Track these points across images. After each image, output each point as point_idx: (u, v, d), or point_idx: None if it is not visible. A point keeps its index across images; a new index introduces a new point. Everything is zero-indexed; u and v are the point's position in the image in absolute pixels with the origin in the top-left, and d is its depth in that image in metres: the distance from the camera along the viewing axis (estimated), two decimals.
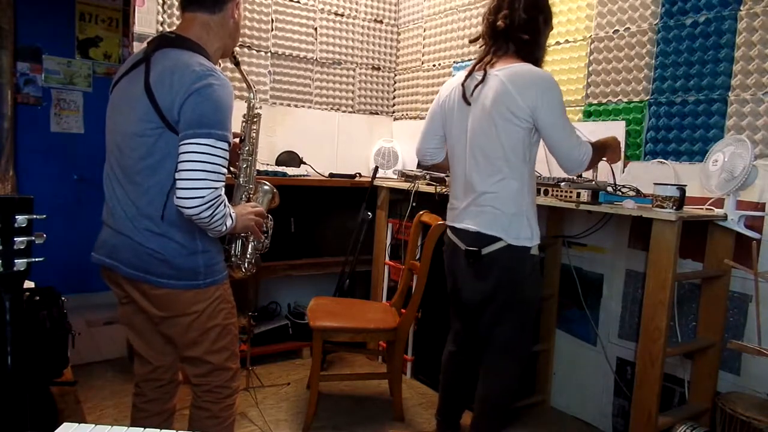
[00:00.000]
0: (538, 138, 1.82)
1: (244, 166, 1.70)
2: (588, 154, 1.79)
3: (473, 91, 1.85)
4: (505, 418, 2.03)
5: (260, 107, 1.74)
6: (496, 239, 1.82)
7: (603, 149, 1.95)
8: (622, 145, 2.34)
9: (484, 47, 1.89)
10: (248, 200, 1.71)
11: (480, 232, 1.85)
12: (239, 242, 1.72)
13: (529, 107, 1.73)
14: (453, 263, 2.02)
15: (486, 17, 1.88)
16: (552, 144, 1.79)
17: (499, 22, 1.81)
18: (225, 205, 1.43)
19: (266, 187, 1.80)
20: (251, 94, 1.71)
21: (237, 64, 1.71)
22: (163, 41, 1.48)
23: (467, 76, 1.89)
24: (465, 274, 1.94)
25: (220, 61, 1.66)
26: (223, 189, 1.42)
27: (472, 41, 1.97)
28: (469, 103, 1.87)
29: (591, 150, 1.80)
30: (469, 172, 1.89)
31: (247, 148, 1.70)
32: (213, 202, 1.37)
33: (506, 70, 1.78)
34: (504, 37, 1.82)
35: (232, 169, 1.70)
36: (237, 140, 1.70)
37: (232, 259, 1.72)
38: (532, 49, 1.82)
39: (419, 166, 3.27)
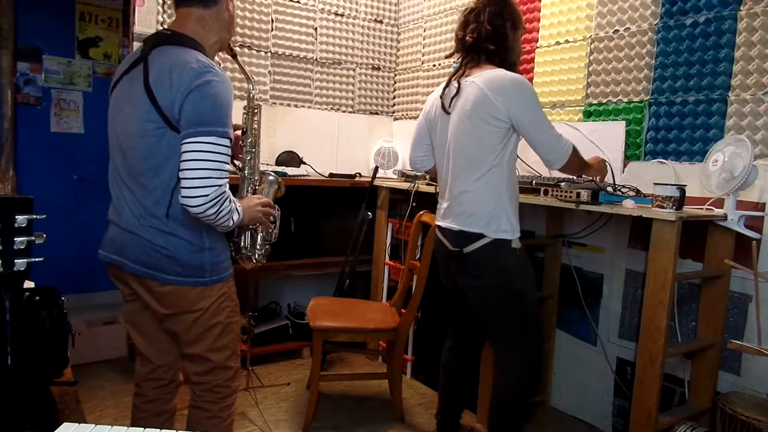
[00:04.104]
0: (516, 139, 1.89)
1: (248, 158, 1.69)
2: (569, 147, 1.85)
3: (451, 101, 1.95)
4: (520, 413, 2.04)
5: (260, 97, 1.73)
6: (478, 236, 1.88)
7: (587, 164, 2.03)
8: (622, 146, 2.35)
9: (459, 61, 2.00)
10: (254, 192, 1.70)
11: (462, 230, 1.91)
12: (248, 234, 1.72)
13: (506, 108, 1.80)
14: (442, 261, 2.09)
15: (456, 34, 1.99)
16: (533, 141, 1.85)
17: (468, 37, 1.93)
18: (230, 201, 1.43)
19: (271, 178, 1.81)
20: (251, 85, 1.70)
21: (234, 56, 1.71)
22: (160, 39, 1.48)
23: (444, 89, 1.99)
24: (454, 272, 2.01)
25: (217, 56, 1.65)
26: (228, 185, 1.42)
27: (447, 56, 2.13)
28: (448, 113, 1.96)
29: (572, 145, 1.86)
30: (451, 173, 1.97)
31: (249, 140, 1.69)
32: (218, 199, 1.38)
33: (481, 76, 1.87)
34: (474, 49, 1.93)
35: (236, 162, 1.70)
36: (239, 132, 1.70)
37: (242, 251, 1.72)
38: (503, 56, 1.92)
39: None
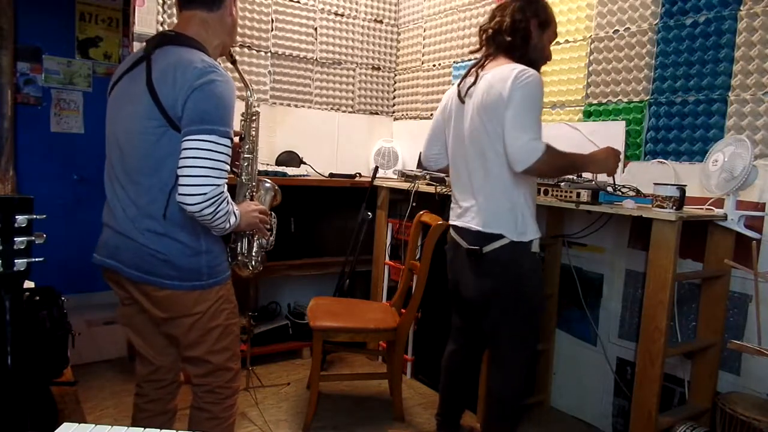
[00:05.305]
0: None
1: (246, 164, 1.70)
2: (536, 154, 1.68)
3: (467, 91, 1.91)
4: (516, 415, 2.04)
5: (258, 105, 1.74)
6: (497, 237, 1.84)
7: (586, 162, 1.91)
8: (622, 146, 2.35)
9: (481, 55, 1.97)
10: (251, 198, 1.71)
11: (480, 230, 1.87)
12: (245, 240, 1.72)
13: (507, 96, 1.73)
14: (455, 262, 2.05)
15: (480, 26, 1.97)
16: (504, 134, 1.74)
17: (489, 29, 1.90)
18: (228, 203, 1.42)
19: (268, 185, 1.81)
20: (249, 92, 1.71)
21: (234, 62, 1.71)
22: (163, 39, 1.48)
23: (462, 80, 1.96)
24: (467, 273, 1.96)
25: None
26: (226, 186, 1.42)
27: (471, 52, 2.06)
28: (463, 102, 1.92)
29: (543, 152, 1.69)
30: (467, 172, 1.93)
31: (247, 146, 1.70)
32: (215, 198, 1.37)
33: (495, 71, 1.83)
34: (493, 41, 1.90)
35: (233, 169, 1.70)
36: (237, 139, 1.70)
37: (239, 257, 1.72)
38: (523, 52, 1.86)
39: (419, 164, 3.27)
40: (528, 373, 2.03)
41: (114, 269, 1.50)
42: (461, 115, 1.94)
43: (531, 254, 1.86)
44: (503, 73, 1.78)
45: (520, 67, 1.77)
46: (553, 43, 1.98)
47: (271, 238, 1.77)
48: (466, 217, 1.94)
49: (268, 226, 1.70)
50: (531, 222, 1.87)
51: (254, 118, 1.71)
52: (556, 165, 1.81)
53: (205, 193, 1.35)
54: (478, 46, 1.98)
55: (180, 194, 1.36)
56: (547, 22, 1.90)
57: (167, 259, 1.45)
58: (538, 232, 1.88)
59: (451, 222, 2.06)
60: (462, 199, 1.98)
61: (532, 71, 1.77)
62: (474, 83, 1.88)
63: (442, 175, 2.74)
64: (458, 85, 1.96)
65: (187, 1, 1.52)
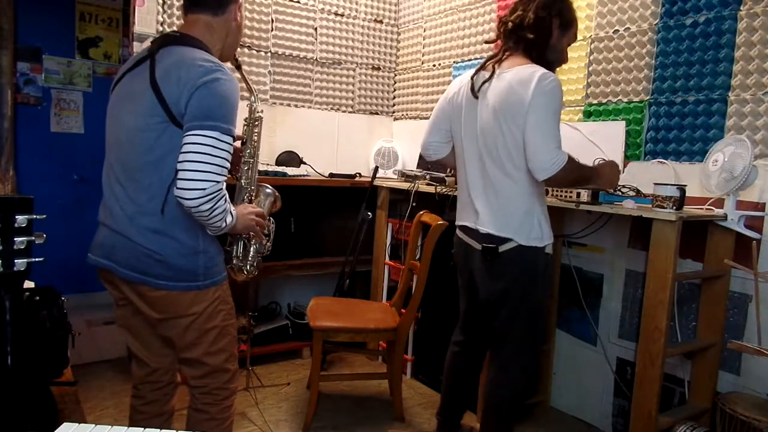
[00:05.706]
0: None
1: (246, 168, 1.70)
2: (559, 163, 1.69)
3: (481, 86, 1.86)
4: (516, 415, 2.04)
5: (262, 111, 1.73)
6: (508, 240, 1.83)
7: (593, 175, 1.90)
8: (622, 146, 2.35)
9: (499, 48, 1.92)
10: (250, 202, 1.70)
11: (491, 233, 1.86)
12: (241, 244, 1.71)
13: (528, 101, 1.71)
14: (467, 263, 2.02)
15: (500, 18, 1.92)
16: (527, 137, 1.72)
17: (510, 23, 1.85)
18: (225, 201, 1.41)
19: (268, 191, 1.80)
20: (252, 97, 1.71)
21: (238, 66, 1.72)
22: (168, 39, 1.48)
23: (476, 72, 1.91)
24: (481, 274, 1.95)
25: None
26: (225, 184, 1.41)
27: (487, 42, 2.02)
28: (476, 97, 1.87)
29: (566, 162, 1.70)
30: (479, 172, 1.90)
31: (248, 150, 1.70)
32: (214, 195, 1.36)
33: (514, 71, 1.79)
34: (513, 36, 1.85)
35: (233, 172, 1.70)
36: (239, 143, 1.70)
37: (234, 261, 1.71)
38: (541, 51, 1.82)
39: (419, 164, 3.27)
40: (533, 374, 2.02)
41: (108, 269, 1.50)
42: (473, 110, 1.89)
43: (545, 256, 1.86)
44: (524, 74, 1.75)
45: (541, 70, 1.74)
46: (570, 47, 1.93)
47: (268, 244, 1.75)
48: (478, 218, 1.91)
49: (266, 231, 1.70)
50: (546, 226, 1.86)
51: (257, 123, 1.71)
52: (573, 176, 1.81)
53: (203, 189, 1.34)
54: (494, 36, 1.93)
55: (178, 188, 1.35)
56: (569, 24, 1.85)
57: (163, 259, 1.45)
58: (552, 236, 1.87)
59: (461, 223, 2.02)
60: (471, 200, 1.94)
61: (552, 75, 1.75)
62: (489, 79, 1.84)
63: (442, 175, 2.74)
64: (472, 77, 1.90)
65: (193, 4, 1.53)
